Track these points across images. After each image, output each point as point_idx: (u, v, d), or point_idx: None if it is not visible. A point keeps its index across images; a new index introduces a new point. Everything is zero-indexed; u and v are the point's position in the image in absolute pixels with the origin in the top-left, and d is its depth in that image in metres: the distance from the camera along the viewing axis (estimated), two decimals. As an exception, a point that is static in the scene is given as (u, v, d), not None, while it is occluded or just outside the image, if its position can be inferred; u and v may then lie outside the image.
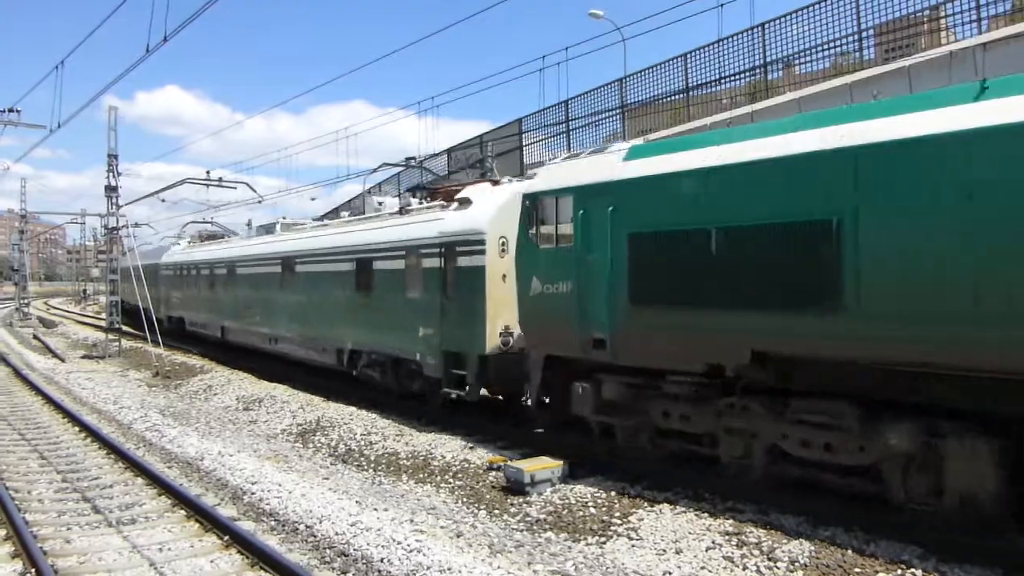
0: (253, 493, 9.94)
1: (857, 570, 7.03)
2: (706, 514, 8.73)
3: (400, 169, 32.09)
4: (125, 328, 31.61)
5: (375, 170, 32.52)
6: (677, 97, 24.10)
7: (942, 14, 19.09)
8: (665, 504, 9.17)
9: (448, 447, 12.52)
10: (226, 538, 8.19)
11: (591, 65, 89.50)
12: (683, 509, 8.95)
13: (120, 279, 30.63)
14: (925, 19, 19.85)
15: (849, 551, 7.44)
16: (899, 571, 6.97)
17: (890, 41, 21.20)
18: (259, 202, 32.83)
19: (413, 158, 29.33)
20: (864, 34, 19.46)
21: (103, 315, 41.07)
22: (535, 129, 29.97)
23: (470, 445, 12.61)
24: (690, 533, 8.23)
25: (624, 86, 25.95)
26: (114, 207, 29.79)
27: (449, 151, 36.03)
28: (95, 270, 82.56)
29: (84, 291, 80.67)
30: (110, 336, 30.04)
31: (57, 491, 10.39)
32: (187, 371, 23.34)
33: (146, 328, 26.49)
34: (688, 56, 23.32)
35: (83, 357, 28.61)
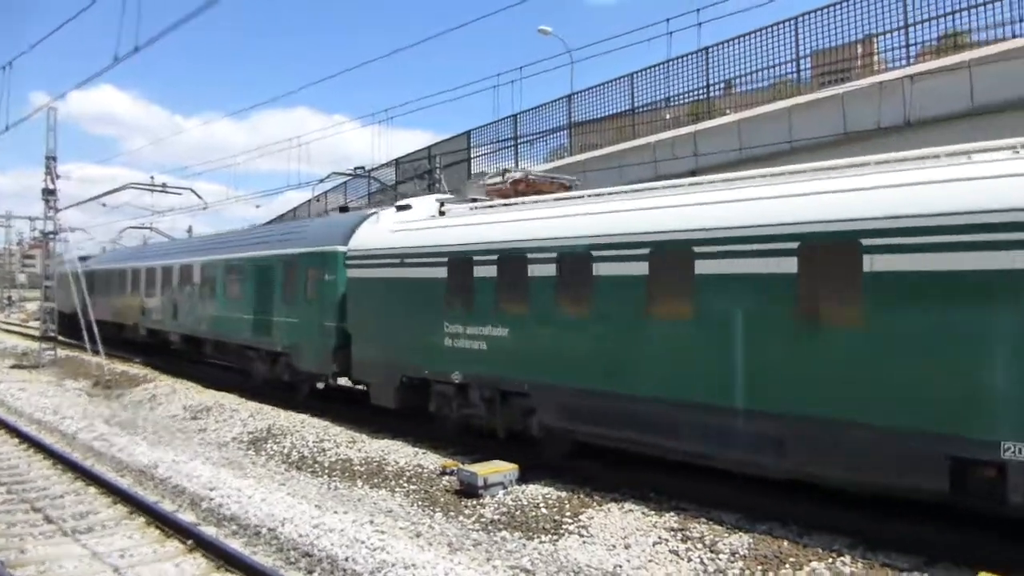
0: (212, 499, 10.05)
1: (792, 559, 7.61)
2: (652, 512, 9.22)
3: (348, 178, 32.16)
4: (61, 337, 30.85)
5: (323, 180, 32.55)
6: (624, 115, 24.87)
7: (875, 45, 20.24)
8: (613, 504, 9.63)
9: (400, 453, 12.78)
10: (189, 542, 8.33)
11: (544, 83, 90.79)
12: (630, 508, 9.43)
13: (57, 285, 29.95)
14: (859, 48, 20.99)
15: (785, 542, 8.03)
16: (831, 559, 7.57)
17: (826, 66, 22.32)
18: (204, 208, 32.51)
19: (362, 167, 29.47)
20: (802, 61, 20.48)
21: (32, 323, 39.85)
22: (484, 144, 30.45)
23: (422, 451, 12.91)
24: (637, 530, 8.70)
25: (572, 103, 26.64)
26: (52, 211, 29.14)
27: (397, 161, 36.25)
28: (21, 275, 79.76)
29: (9, 298, 77.79)
30: (43, 345, 29.27)
31: (3, 503, 10.20)
32: (129, 380, 22.96)
33: (85, 336, 26.00)
34: (635, 76, 24.13)
35: (13, 367, 27.74)
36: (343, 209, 19.87)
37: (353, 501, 10.50)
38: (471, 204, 14.23)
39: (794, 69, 20.18)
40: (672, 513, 9.15)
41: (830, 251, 7.98)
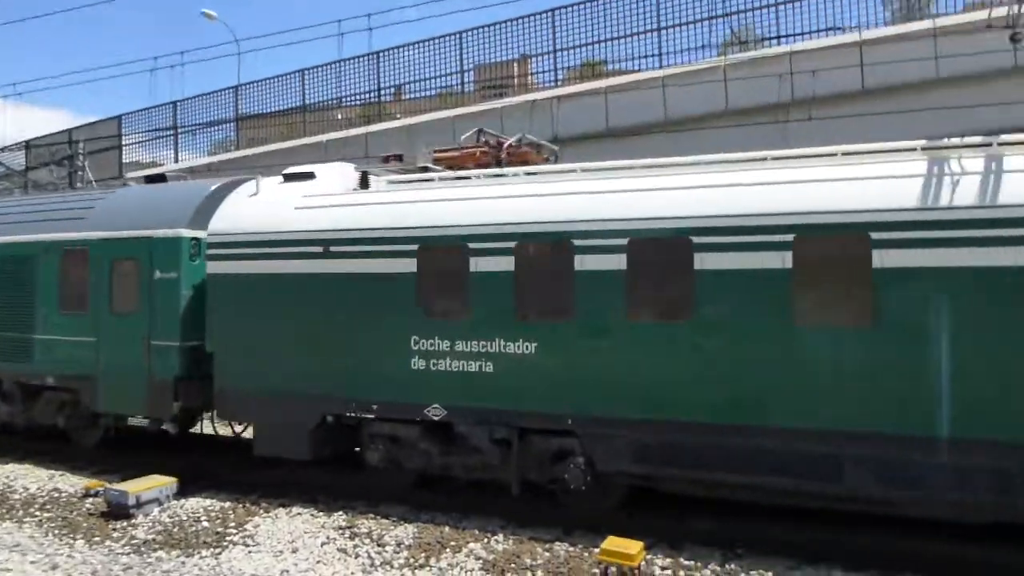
0: None
1: (453, 543, 8.09)
2: (321, 513, 9.18)
3: (-37, 161, 27.37)
4: None
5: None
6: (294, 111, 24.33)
7: (529, 65, 22.11)
8: (280, 509, 9.41)
9: (31, 478, 11.22)
10: None
11: (208, 72, 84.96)
12: (299, 511, 9.29)
13: None
14: (516, 67, 22.79)
15: (447, 528, 8.52)
16: (486, 539, 8.19)
17: (487, 81, 23.89)
18: None
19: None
20: (467, 74, 21.71)
21: None
22: (138, 131, 27.81)
23: (59, 473, 11.46)
24: (306, 532, 8.60)
25: (239, 94, 25.42)
26: None
27: (28, 144, 31.64)
28: None
29: None
30: None
31: None
32: None
33: None
34: (306, 73, 23.72)
35: None
36: (155, 179, 12.90)
37: (-34, 539, 8.98)
38: (418, 175, 10.35)
39: (459, 81, 21.34)
40: (341, 512, 9.19)
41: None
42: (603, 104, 17.46)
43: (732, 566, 7.47)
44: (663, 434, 7.93)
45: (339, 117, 23.14)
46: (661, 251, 7.97)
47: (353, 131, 21.63)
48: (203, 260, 10.71)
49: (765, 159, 8.25)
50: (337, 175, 10.50)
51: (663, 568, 7.44)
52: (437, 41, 21.55)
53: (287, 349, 9.81)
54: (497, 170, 9.83)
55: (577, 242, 8.30)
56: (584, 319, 8.26)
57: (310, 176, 10.53)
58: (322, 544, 8.29)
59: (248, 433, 11.35)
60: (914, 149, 7.69)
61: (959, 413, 6.86)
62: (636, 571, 7.12)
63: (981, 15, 11.63)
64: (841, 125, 14.03)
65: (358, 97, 22.82)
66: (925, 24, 15.14)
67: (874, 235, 7.14)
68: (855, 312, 7.25)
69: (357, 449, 10.06)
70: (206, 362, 10.51)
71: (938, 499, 7.00)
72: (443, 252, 8.98)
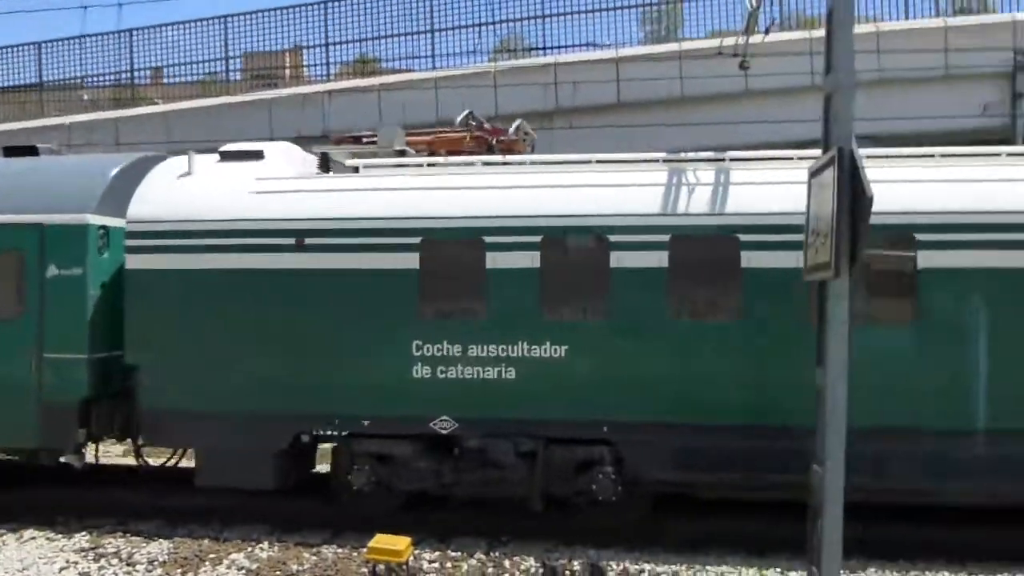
0: None
1: (213, 555, 7.69)
2: (60, 536, 8.32)
3: None
4: None
5: None
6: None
7: (301, 57, 21.48)
8: (10, 535, 8.41)
9: None
10: None
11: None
12: (32, 536, 8.36)
13: None
14: (288, 58, 22.03)
15: (206, 540, 8.08)
16: (249, 548, 7.89)
17: (257, 70, 22.89)
18: None
19: None
20: (234, 61, 20.64)
21: None
22: None
23: None
24: (40, 558, 7.76)
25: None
26: None
27: None
28: None
29: None
30: None
31: None
32: None
33: None
34: (44, 46, 21.31)
35: None
36: (17, 151, 10.30)
37: None
38: (394, 159, 9.09)
39: (224, 68, 20.24)
40: (84, 533, 8.38)
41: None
42: (376, 101, 17.38)
43: (496, 553, 7.78)
44: (706, 437, 7.68)
45: (85, 98, 21.02)
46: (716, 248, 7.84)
47: (102, 114, 19.76)
48: (111, 253, 8.99)
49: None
50: (284, 155, 9.28)
51: (431, 561, 7.58)
52: (201, 24, 20.28)
53: (246, 359, 8.37)
54: (518, 157, 9.13)
55: (615, 236, 7.89)
56: (621, 318, 7.88)
57: (257, 155, 9.10)
58: (60, 569, 7.50)
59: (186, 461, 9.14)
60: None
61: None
62: (404, 567, 7.19)
63: (716, 42, 12.99)
64: (599, 135, 15.05)
65: (107, 78, 20.89)
66: (672, 46, 16.69)
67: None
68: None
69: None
70: (117, 377, 8.88)
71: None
72: (454, 246, 8.15)
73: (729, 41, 10.12)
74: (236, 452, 8.32)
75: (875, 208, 4.91)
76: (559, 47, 17.25)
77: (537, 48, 17.56)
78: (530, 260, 7.93)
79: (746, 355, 7.67)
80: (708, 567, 7.48)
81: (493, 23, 17.99)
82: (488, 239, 7.98)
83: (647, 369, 7.80)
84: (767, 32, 9.73)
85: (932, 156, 8.17)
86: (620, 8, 18.25)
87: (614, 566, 7.51)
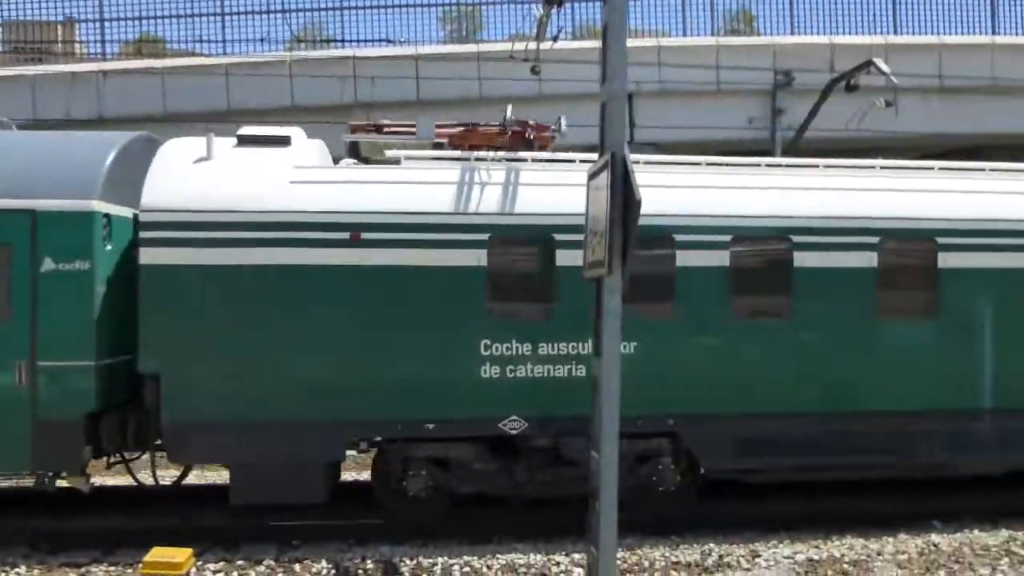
0: None
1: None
2: None
3: None
4: None
5: None
6: None
7: (75, 31, 19.59)
8: None
9: None
10: None
11: None
12: None
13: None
14: (60, 31, 20.01)
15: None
16: (3, 573, 7.12)
17: (21, 42, 20.63)
18: None
19: None
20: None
21: None
22: None
23: None
24: None
25: None
26: None
27: None
28: None
29: None
30: None
31: None
32: None
33: None
34: None
35: None
36: None
37: None
38: (429, 153, 8.54)
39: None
40: None
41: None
42: (160, 85, 16.23)
43: (286, 558, 7.56)
44: (765, 426, 8.24)
45: None
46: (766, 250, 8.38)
47: None
48: (116, 245, 7.93)
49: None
50: (304, 142, 8.51)
51: (215, 572, 7.23)
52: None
53: (291, 362, 7.64)
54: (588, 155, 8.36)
55: (681, 236, 8.12)
56: (687, 317, 8.16)
57: (283, 141, 8.33)
58: None
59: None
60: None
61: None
62: (185, 580, 6.79)
63: (513, 46, 13.35)
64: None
65: None
66: (471, 48, 16.97)
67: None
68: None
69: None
70: (122, 386, 7.86)
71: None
72: (523, 244, 8.09)
73: (521, 46, 10.45)
74: (280, 465, 7.73)
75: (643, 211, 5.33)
76: (359, 41, 16.99)
77: (335, 40, 17.19)
78: None
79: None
80: (499, 555, 7.71)
81: (290, 11, 17.39)
82: (558, 237, 7.95)
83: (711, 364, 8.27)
84: (555, 40, 10.15)
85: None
86: (421, 6, 18.35)
87: (408, 562, 7.55)
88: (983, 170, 9.39)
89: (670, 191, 8.28)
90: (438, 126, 9.04)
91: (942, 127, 17.34)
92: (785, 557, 7.78)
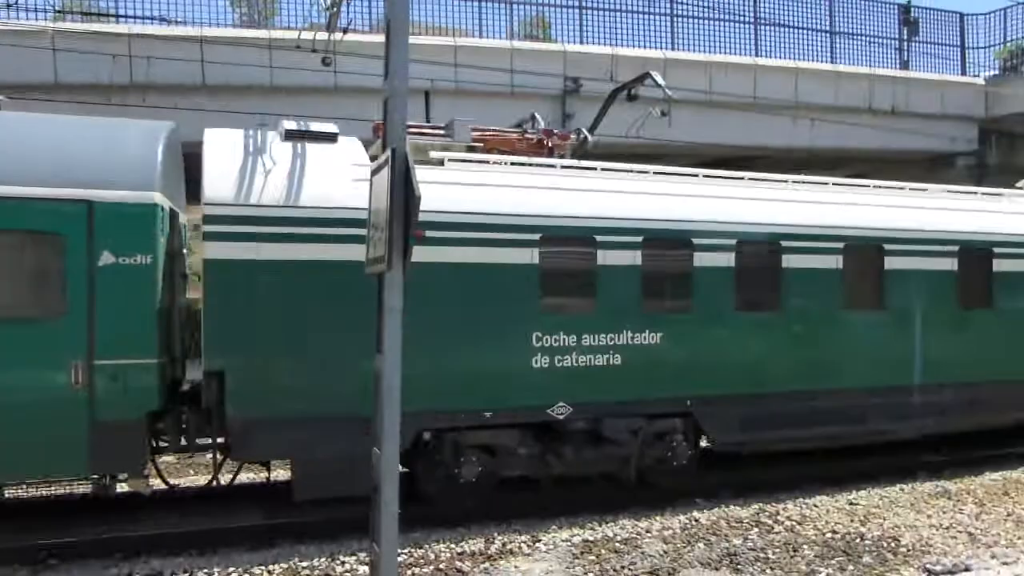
0: None
1: None
2: None
3: None
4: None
5: None
6: None
7: None
8: None
9: None
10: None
11: None
12: None
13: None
14: None
15: None
16: None
17: None
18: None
19: None
20: None
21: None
22: None
23: None
24: None
25: None
26: None
27: None
28: None
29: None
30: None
31: None
32: None
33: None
34: None
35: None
36: None
37: None
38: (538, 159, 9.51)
39: None
40: None
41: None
42: None
43: (43, 578, 6.92)
44: (762, 405, 9.70)
45: None
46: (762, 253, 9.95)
47: None
48: (168, 237, 7.89)
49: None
50: (354, 147, 8.67)
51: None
52: None
53: (359, 357, 7.26)
54: (622, 165, 9.86)
55: (698, 239, 9.39)
56: (702, 311, 9.43)
57: (331, 138, 8.56)
58: None
59: None
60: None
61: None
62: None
63: (306, 35, 12.92)
64: (180, 116, 14.07)
65: None
66: (262, 33, 16.25)
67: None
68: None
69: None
70: (177, 383, 8.15)
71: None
72: (569, 244, 8.82)
73: (308, 35, 10.18)
74: (346, 459, 7.54)
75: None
76: (135, 17, 15.69)
77: (107, 14, 15.79)
78: (637, 258, 9.07)
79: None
80: (280, 561, 7.50)
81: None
82: (599, 238, 8.88)
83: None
84: (345, 31, 9.99)
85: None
86: (209, -15, 17.28)
87: (179, 572, 7.14)
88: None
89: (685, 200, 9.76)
90: (474, 129, 9.88)
91: (711, 137, 18.94)
92: (563, 540, 8.20)
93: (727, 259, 9.58)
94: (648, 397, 9.21)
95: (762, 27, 21.27)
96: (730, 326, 9.67)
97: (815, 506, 9.67)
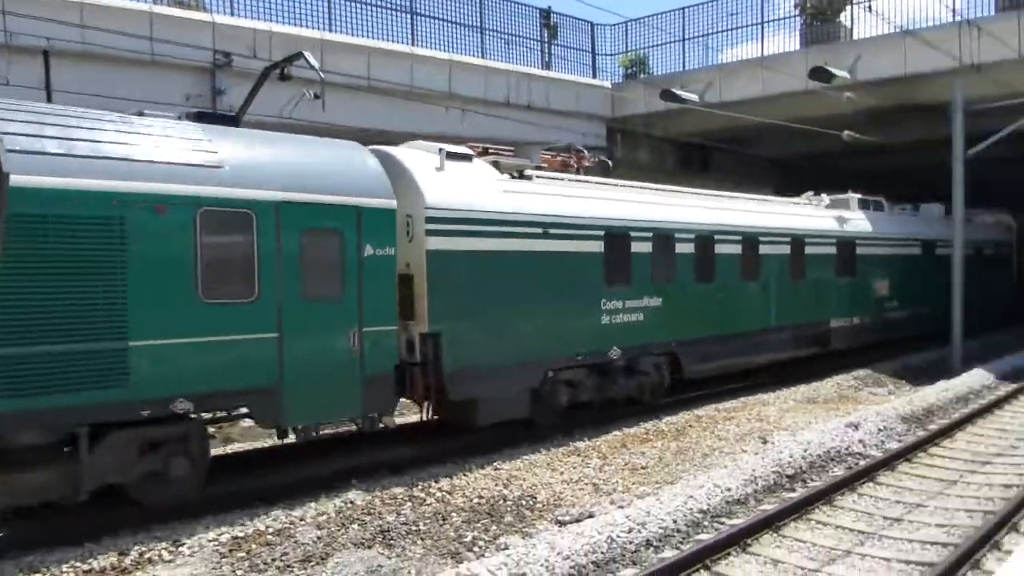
0: None
1: None
2: None
3: None
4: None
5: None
6: None
7: None
8: None
9: None
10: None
11: None
12: None
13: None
14: None
15: None
16: None
17: None
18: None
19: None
20: None
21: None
22: None
23: None
24: None
25: None
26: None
27: None
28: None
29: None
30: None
31: None
32: None
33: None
34: None
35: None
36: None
37: None
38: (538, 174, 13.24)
39: None
40: None
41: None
42: None
43: None
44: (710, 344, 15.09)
45: None
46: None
47: None
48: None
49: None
50: (484, 165, 12.18)
51: None
52: None
53: (515, 320, 11.49)
54: (646, 184, 15.54)
55: (677, 235, 14.49)
56: (680, 284, 14.53)
57: (468, 158, 11.89)
58: None
59: None
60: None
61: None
62: None
63: None
64: None
65: None
66: None
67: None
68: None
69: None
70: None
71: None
72: (618, 239, 13.24)
73: None
74: (508, 394, 11.50)
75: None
76: None
77: None
78: (649, 247, 13.87)
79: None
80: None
81: None
82: (632, 233, 13.49)
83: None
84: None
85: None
86: None
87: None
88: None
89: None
90: (543, 151, 14.82)
91: (369, 123, 19.01)
92: (210, 541, 7.75)
93: (692, 248, 14.72)
94: (654, 341, 13.87)
95: (418, 19, 21.86)
96: (698, 293, 14.85)
97: (464, 475, 10.27)
